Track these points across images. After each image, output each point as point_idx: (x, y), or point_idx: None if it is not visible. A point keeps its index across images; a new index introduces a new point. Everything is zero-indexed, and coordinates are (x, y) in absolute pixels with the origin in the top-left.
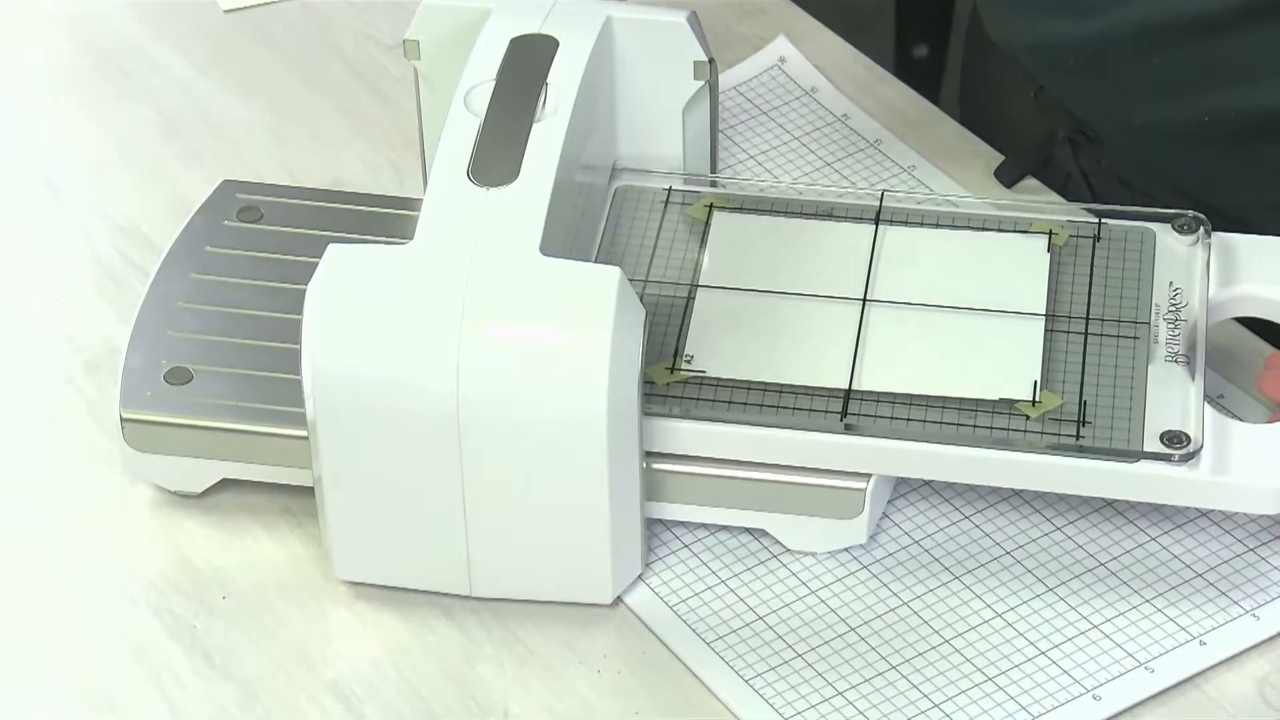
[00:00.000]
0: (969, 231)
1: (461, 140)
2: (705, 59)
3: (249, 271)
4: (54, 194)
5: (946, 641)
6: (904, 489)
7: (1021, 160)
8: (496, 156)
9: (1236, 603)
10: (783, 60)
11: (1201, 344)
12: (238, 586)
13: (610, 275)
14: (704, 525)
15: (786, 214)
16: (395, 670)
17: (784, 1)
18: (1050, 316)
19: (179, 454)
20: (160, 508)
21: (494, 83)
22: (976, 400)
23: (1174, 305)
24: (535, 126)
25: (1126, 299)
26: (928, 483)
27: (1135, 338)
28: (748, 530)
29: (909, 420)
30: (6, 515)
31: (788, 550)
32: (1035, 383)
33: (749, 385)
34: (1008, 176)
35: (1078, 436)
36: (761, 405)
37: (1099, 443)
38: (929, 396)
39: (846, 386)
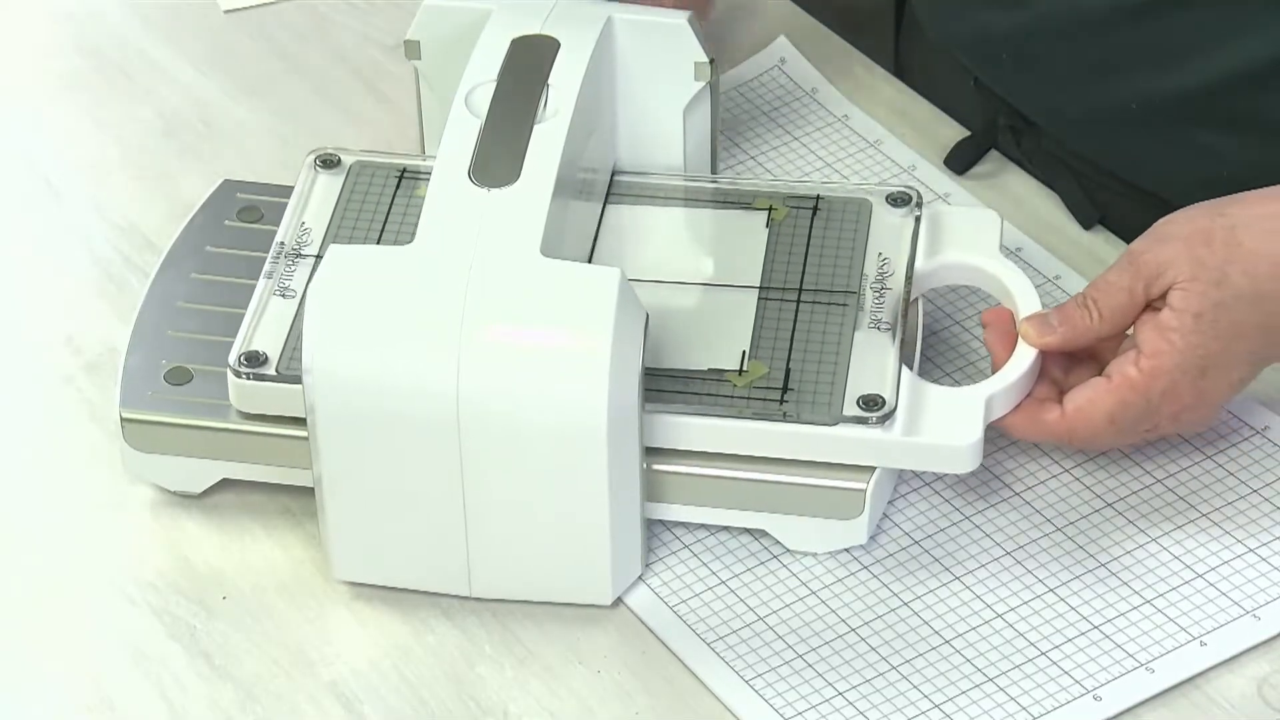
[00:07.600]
0: (692, 208)
1: (463, 141)
2: (706, 60)
3: (249, 271)
4: (54, 194)
5: (947, 642)
6: (904, 489)
7: (967, 149)
8: (498, 157)
9: (1237, 603)
10: (783, 61)
11: (903, 311)
12: (237, 587)
13: (611, 276)
14: (704, 526)
15: None
16: (395, 671)
17: (784, 1)
18: (764, 288)
19: (179, 454)
20: (160, 508)
21: (495, 83)
22: (688, 371)
23: (881, 274)
24: (536, 127)
25: (839, 270)
26: (928, 483)
27: (844, 305)
28: (748, 530)
29: None
30: (6, 515)
31: (788, 550)
32: (744, 353)
33: None
34: (958, 164)
35: (781, 403)
36: None
37: (801, 408)
38: (644, 368)
39: None
